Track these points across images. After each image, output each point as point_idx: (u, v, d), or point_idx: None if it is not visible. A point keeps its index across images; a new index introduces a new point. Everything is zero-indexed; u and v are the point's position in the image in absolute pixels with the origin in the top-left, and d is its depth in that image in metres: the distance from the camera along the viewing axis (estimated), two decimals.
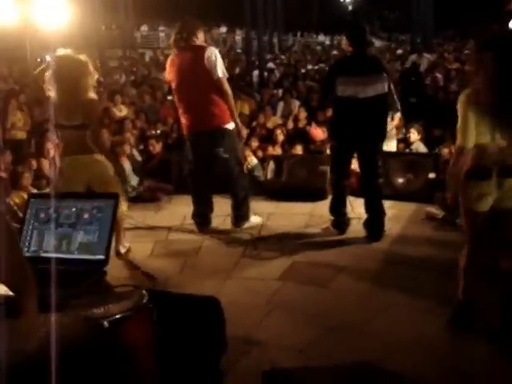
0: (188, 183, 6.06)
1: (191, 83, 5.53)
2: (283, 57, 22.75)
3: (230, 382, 3.24)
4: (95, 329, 1.84)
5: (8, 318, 1.67)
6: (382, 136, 5.68)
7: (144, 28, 30.19)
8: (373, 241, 5.56)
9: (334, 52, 19.77)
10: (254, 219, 5.98)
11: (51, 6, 10.13)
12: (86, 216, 2.41)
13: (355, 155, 5.77)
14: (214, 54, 5.50)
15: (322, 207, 6.43)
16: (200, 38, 5.66)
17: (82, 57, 4.89)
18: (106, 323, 1.97)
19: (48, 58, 18.60)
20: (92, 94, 4.84)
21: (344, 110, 5.53)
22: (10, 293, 1.83)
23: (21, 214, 5.84)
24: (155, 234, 6.07)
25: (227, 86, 5.58)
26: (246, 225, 5.88)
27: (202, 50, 5.53)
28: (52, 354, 1.49)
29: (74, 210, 2.43)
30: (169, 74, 5.75)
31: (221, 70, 5.51)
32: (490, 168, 3.61)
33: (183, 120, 5.75)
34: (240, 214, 5.88)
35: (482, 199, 3.66)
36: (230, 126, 5.67)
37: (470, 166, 3.65)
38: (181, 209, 6.69)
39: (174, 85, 5.73)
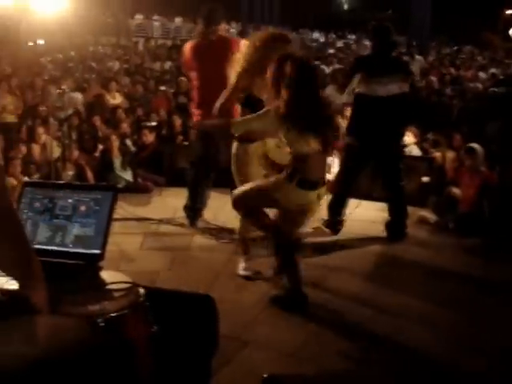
0: (188, 175, 5.94)
1: (220, 75, 5.15)
2: None
3: (219, 383, 3.17)
4: (92, 328, 1.76)
5: (11, 315, 1.59)
6: (401, 136, 5.72)
7: (138, 16, 29.91)
8: (394, 242, 5.62)
9: (331, 51, 19.64)
10: None
11: None
12: (82, 208, 2.32)
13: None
14: None
15: None
16: (222, 28, 5.53)
17: None
18: (101, 322, 1.90)
19: (41, 42, 18.34)
20: None
21: (365, 107, 5.51)
22: (13, 286, 1.76)
23: None
24: (145, 226, 5.99)
25: None
26: None
27: (234, 43, 5.34)
28: (55, 358, 1.42)
29: (70, 201, 2.34)
30: (190, 63, 5.54)
31: None
32: (317, 180, 3.95)
33: (201, 111, 5.46)
34: None
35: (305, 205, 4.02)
36: None
37: (299, 174, 3.87)
38: (171, 201, 6.62)
39: (196, 74, 5.51)
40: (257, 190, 4.07)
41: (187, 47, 5.57)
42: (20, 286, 1.69)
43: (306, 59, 4.09)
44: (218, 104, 4.41)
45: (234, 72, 4.44)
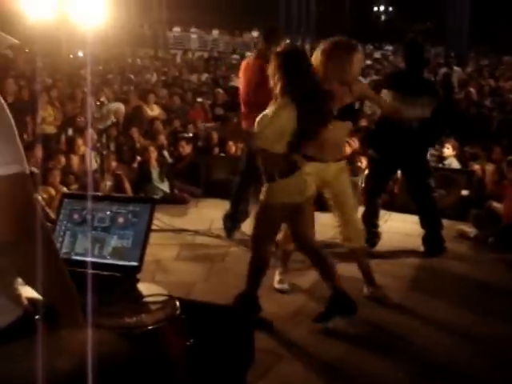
0: (234, 184, 5.93)
1: (255, 95, 5.20)
2: None
3: None
4: (128, 340, 1.76)
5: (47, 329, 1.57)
6: (422, 157, 5.65)
7: (176, 29, 30.28)
8: (432, 257, 5.51)
9: (368, 62, 19.54)
10: None
11: (88, 3, 10.17)
12: (120, 220, 2.33)
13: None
14: None
15: None
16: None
17: None
18: (138, 334, 1.91)
19: (81, 54, 18.63)
20: None
21: (386, 124, 5.45)
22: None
23: (48, 210, 5.88)
24: (181, 237, 6.02)
25: None
26: None
27: None
28: (88, 371, 1.41)
29: (108, 213, 2.36)
30: (240, 76, 5.72)
31: None
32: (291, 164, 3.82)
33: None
34: None
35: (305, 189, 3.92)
36: None
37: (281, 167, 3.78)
38: (208, 213, 6.64)
39: (241, 88, 5.65)
40: (260, 220, 3.98)
41: (243, 63, 5.82)
42: (54, 304, 1.60)
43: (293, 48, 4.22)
44: None
45: None
